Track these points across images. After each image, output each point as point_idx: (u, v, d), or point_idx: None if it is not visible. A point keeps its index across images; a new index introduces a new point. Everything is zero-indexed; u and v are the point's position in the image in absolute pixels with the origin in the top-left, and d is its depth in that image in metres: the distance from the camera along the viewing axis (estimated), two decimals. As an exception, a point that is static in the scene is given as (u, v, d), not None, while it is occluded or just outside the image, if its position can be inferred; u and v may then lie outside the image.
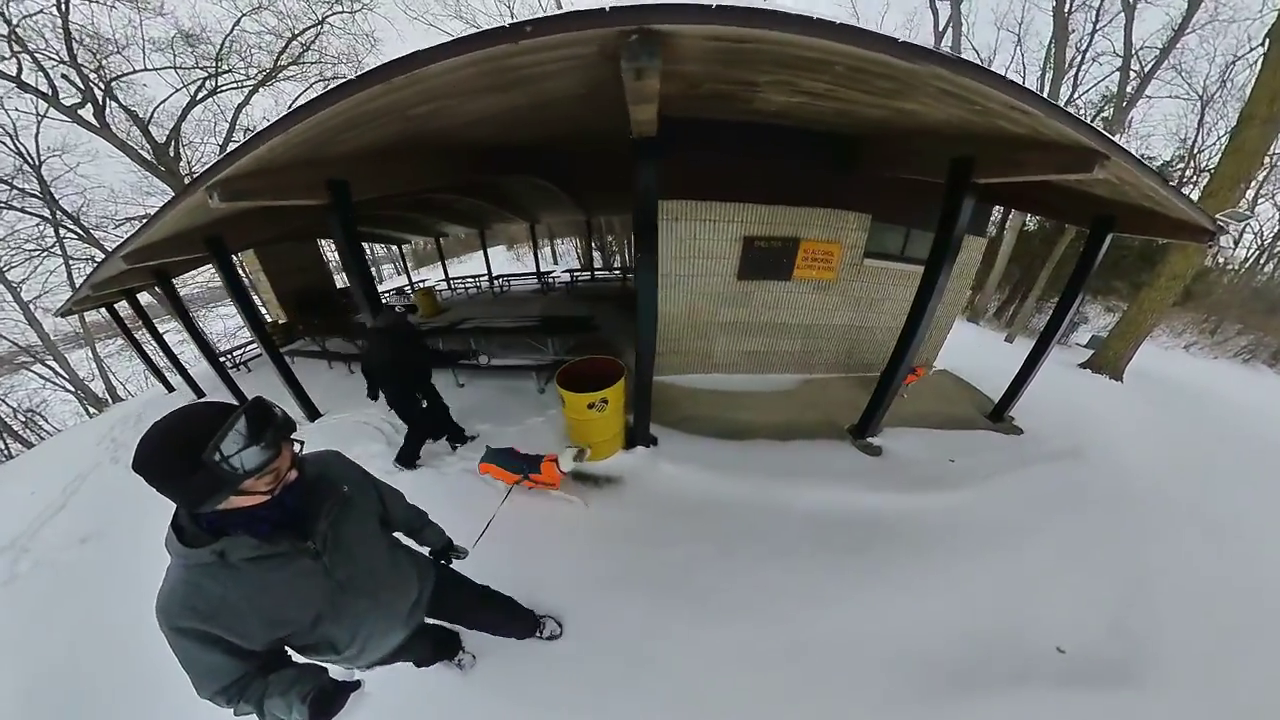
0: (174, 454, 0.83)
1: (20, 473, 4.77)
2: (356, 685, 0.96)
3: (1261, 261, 11.72)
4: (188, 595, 0.88)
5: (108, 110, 7.98)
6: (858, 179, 3.42)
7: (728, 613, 2.01)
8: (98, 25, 7.53)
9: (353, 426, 3.70)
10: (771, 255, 3.93)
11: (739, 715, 1.66)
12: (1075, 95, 10.40)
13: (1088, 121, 1.66)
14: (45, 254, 9.50)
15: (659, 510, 2.61)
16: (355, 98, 1.57)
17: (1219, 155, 5.12)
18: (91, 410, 11.17)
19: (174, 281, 4.56)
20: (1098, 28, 9.03)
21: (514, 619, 1.64)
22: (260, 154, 1.87)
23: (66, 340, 12.04)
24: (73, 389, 11.02)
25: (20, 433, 9.94)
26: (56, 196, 9.17)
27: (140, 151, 8.89)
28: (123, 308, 6.15)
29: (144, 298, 6.38)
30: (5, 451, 9.37)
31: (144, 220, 3.02)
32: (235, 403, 0.90)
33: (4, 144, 8.33)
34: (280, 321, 8.48)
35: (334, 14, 9.34)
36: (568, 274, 10.95)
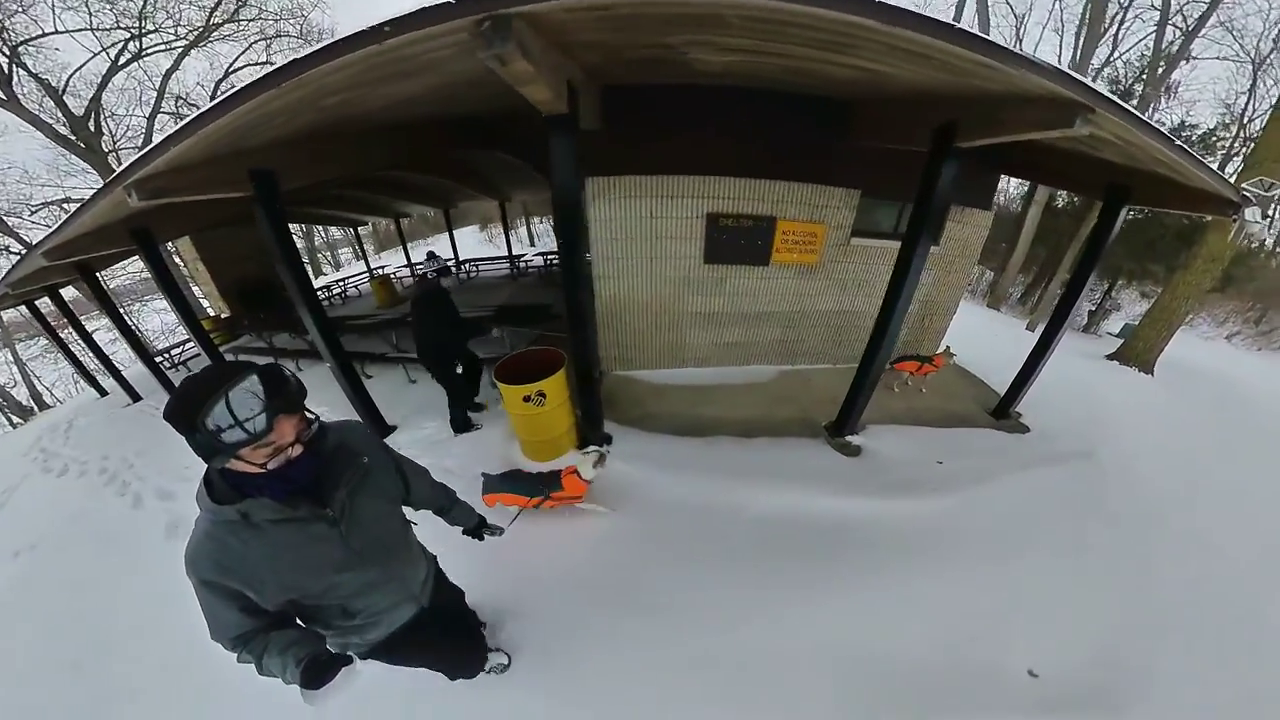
0: (178, 414, 0.90)
1: (-62, 491, 4.66)
2: (349, 660, 1.03)
3: (1311, 244, 11.34)
4: (213, 550, 0.98)
5: (15, 80, 7.45)
6: (845, 151, 3.39)
7: (675, 624, 2.04)
8: (-6, -21, 6.83)
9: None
10: (743, 237, 3.89)
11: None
12: (1114, 55, 10.16)
13: (1069, 72, 1.64)
14: (-51, 244, 8.91)
15: (608, 513, 2.63)
16: (253, 102, 1.67)
17: (1267, 122, 4.86)
18: (16, 420, 10.78)
19: (104, 274, 4.52)
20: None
21: (470, 661, 1.72)
22: (173, 155, 1.96)
23: (-20, 342, 12.19)
24: (-9, 397, 10.85)
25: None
26: (-40, 179, 9.02)
27: (55, 125, 8.35)
28: (45, 304, 6.26)
29: (69, 292, 6.20)
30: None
31: (64, 203, 2.91)
32: (259, 364, 0.96)
33: (-108, 122, 8.14)
34: (223, 315, 8.27)
35: (272, -40, 8.74)
36: (541, 257, 10.59)
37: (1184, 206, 2.84)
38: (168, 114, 9.23)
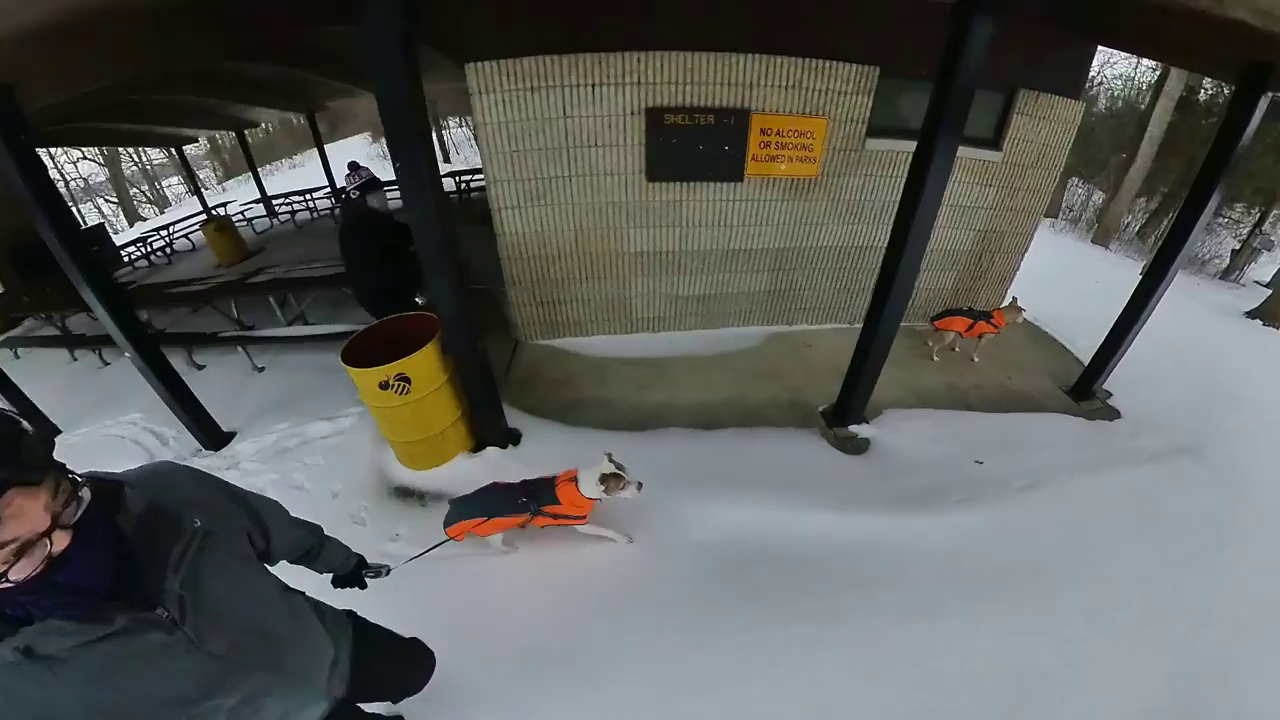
0: None
1: None
2: None
3: None
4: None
5: None
6: (852, 7, 3.35)
7: (593, 691, 2.12)
8: None
9: (104, 443, 3.81)
10: (702, 140, 3.83)
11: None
12: None
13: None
14: None
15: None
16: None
17: None
18: None
19: None
20: None
21: (422, 668, 1.81)
22: None
23: None
24: None
25: None
26: None
27: None
28: None
29: None
30: None
31: None
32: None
33: None
34: (-5, 293, 7.66)
35: None
36: (453, 178, 9.98)
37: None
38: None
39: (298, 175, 17.87)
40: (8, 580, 0.82)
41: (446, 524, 2.51)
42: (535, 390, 3.89)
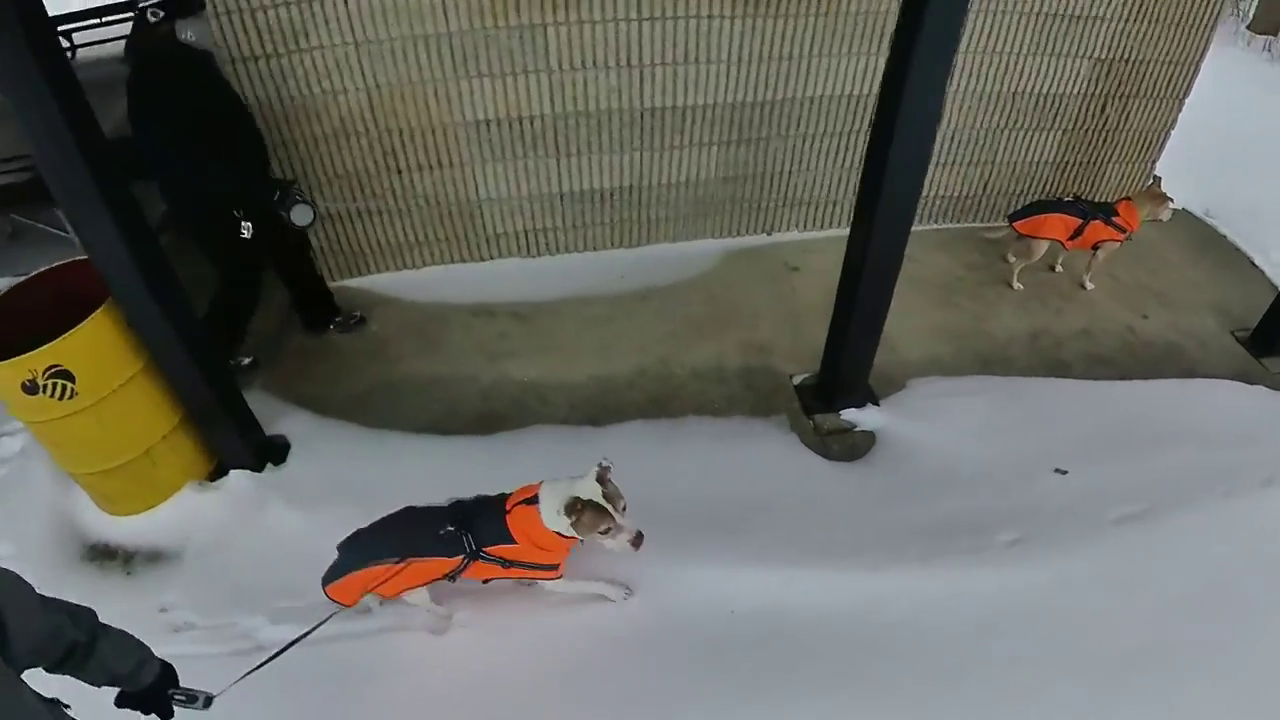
0: None
1: None
2: None
3: None
4: None
5: None
6: None
7: None
8: None
9: None
10: None
11: None
12: None
13: None
14: None
15: (256, 618, 2.75)
16: None
17: None
18: None
19: None
20: None
21: None
22: None
23: None
24: None
25: None
26: None
27: None
28: None
29: None
30: None
31: None
32: None
33: None
34: None
35: None
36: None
37: None
38: None
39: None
40: None
41: (328, 580, 2.50)
42: (322, 369, 3.83)
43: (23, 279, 3.06)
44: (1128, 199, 4.16)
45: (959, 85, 4.37)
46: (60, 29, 7.92)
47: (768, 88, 4.20)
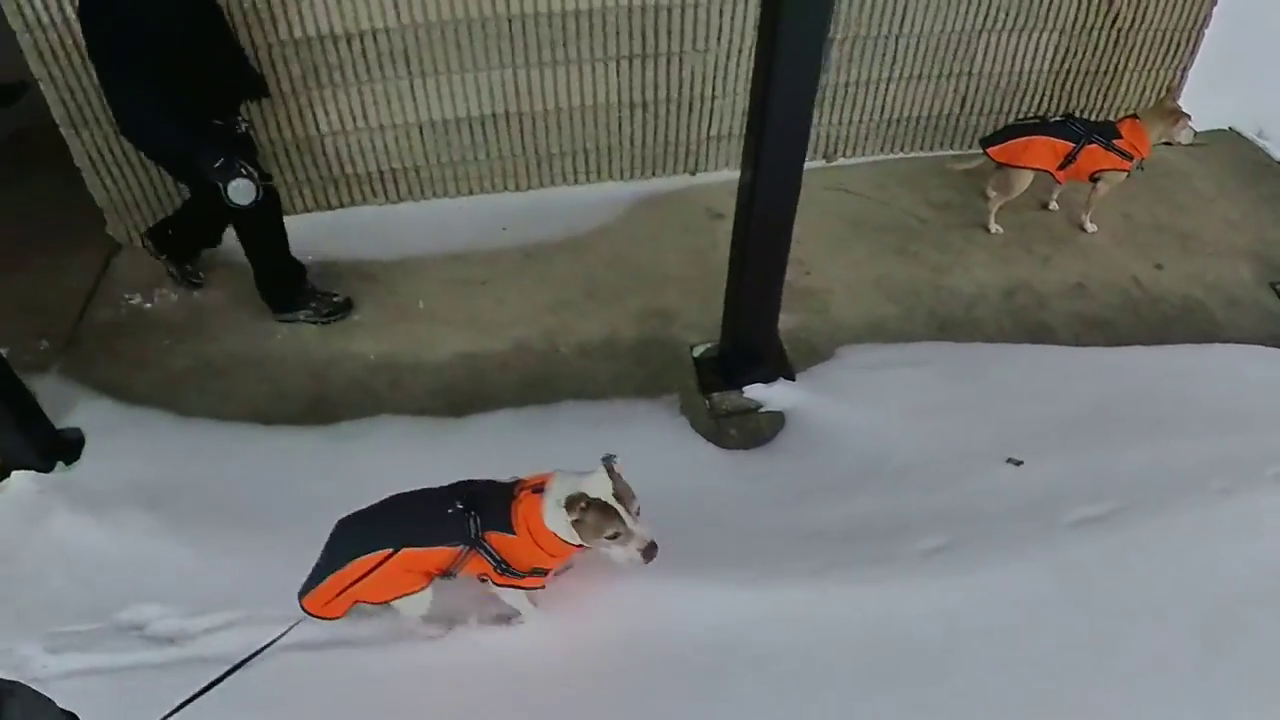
0: None
1: None
2: None
3: None
4: None
5: None
6: None
7: None
8: None
9: None
10: None
11: None
12: None
13: None
14: None
15: (31, 645, 2.67)
16: None
17: None
18: None
19: None
20: None
21: None
22: None
23: None
24: None
25: None
26: None
27: None
28: None
29: None
30: None
31: None
32: None
33: None
34: None
35: None
36: None
37: None
38: None
39: None
40: None
41: (304, 592, 2.45)
42: (131, 347, 3.70)
43: None
44: (1133, 116, 3.95)
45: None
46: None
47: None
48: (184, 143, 3.22)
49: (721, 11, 4.11)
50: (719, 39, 4.19)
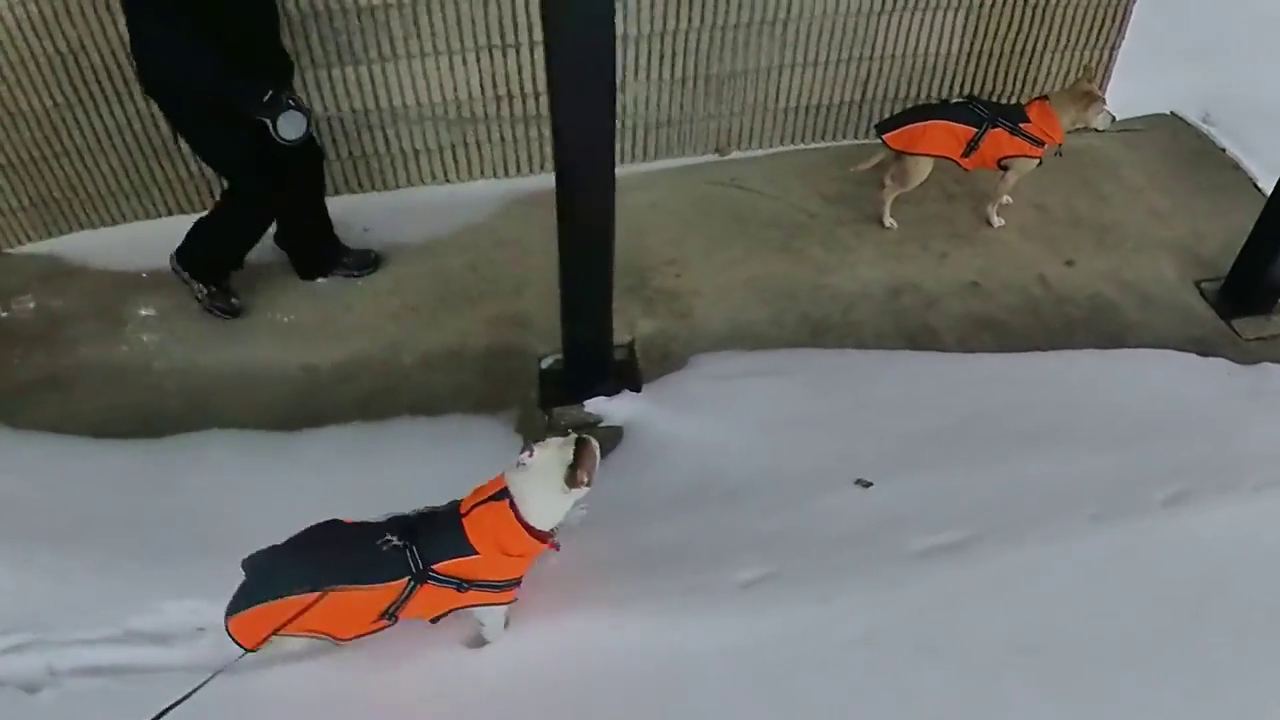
0: None
1: None
2: None
3: None
4: None
5: None
6: None
7: None
8: None
9: None
10: None
11: None
12: None
13: None
14: None
15: None
16: None
17: None
18: None
19: None
20: None
21: None
22: None
23: None
24: None
25: None
26: None
27: None
28: None
29: None
30: None
31: None
32: None
33: None
34: None
35: None
36: None
37: None
38: None
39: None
40: None
41: (232, 610, 2.41)
42: None
43: None
44: (1043, 99, 3.81)
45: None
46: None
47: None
48: (225, 80, 3.12)
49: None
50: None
